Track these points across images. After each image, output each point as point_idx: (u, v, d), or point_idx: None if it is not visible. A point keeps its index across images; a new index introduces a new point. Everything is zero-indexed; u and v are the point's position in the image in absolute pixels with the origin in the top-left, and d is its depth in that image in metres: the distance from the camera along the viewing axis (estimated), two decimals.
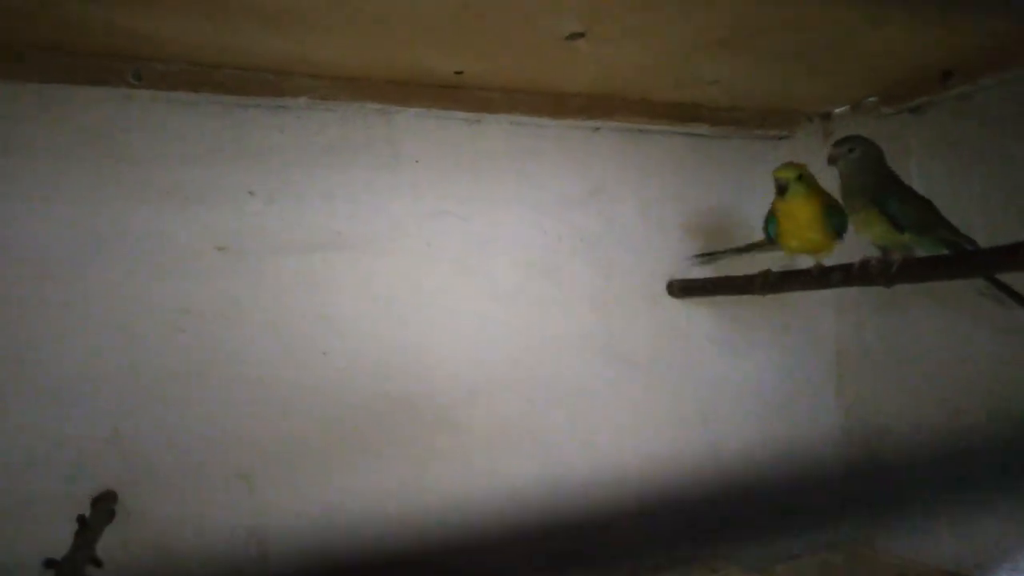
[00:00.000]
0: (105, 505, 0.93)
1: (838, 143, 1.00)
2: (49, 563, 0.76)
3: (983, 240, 1.02)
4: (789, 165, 1.07)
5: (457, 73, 1.07)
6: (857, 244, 1.08)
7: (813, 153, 1.42)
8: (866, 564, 1.40)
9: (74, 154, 0.96)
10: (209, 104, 1.02)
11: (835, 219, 1.06)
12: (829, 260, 1.08)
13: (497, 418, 1.20)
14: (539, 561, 1.26)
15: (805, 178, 1.06)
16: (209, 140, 1.03)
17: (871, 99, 1.32)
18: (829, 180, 1.07)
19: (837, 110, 1.41)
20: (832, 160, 1.01)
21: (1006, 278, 0.98)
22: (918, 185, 1.03)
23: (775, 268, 1.13)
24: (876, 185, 0.97)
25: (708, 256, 1.29)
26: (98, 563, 0.82)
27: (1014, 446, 1.17)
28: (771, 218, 1.12)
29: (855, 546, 1.44)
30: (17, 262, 0.93)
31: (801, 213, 1.07)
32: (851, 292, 1.41)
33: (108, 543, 0.88)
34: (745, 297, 1.29)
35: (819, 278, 1.07)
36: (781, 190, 1.07)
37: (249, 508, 1.03)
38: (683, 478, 1.34)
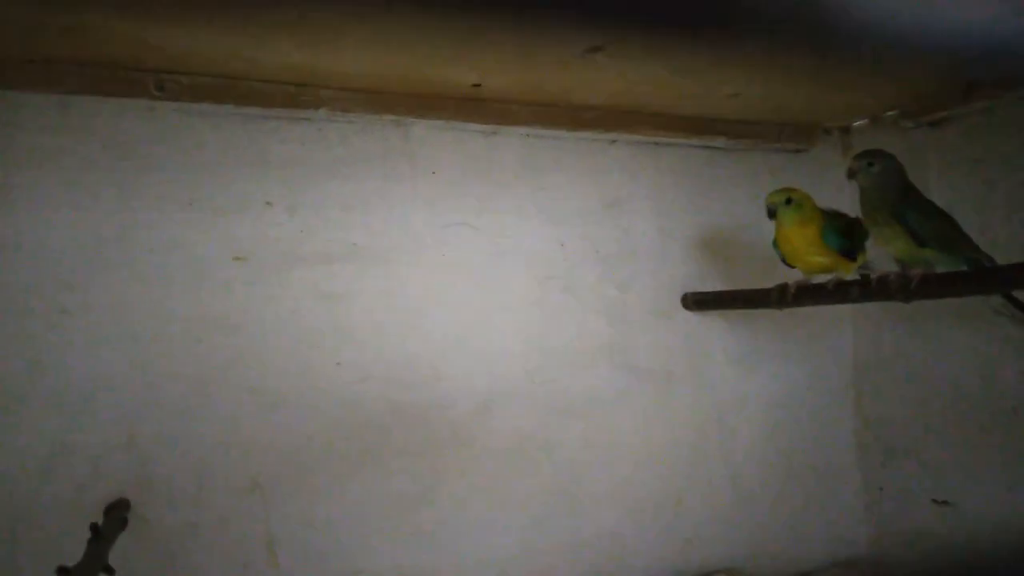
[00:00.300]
0: (118, 513, 0.93)
1: (858, 157, 0.99)
2: (62, 571, 0.76)
3: (1004, 255, 1.00)
4: (779, 190, 1.07)
5: (475, 86, 1.08)
6: (879, 260, 1.07)
7: (831, 166, 1.42)
8: None
9: (96, 164, 0.97)
10: (230, 116, 1.03)
11: (835, 240, 1.05)
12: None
13: (511, 430, 1.19)
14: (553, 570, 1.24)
15: (797, 202, 1.05)
16: (229, 151, 1.04)
17: (891, 113, 1.31)
18: (851, 193, 1.06)
19: (856, 123, 1.40)
20: (851, 174, 1.00)
21: None
22: (938, 199, 1.02)
23: (792, 282, 1.12)
24: (897, 199, 0.96)
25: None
26: (110, 571, 0.82)
27: None
28: (775, 242, 1.12)
29: (869, 563, 1.42)
30: (38, 271, 0.94)
31: (795, 237, 1.06)
32: (869, 307, 1.40)
33: (120, 551, 0.88)
34: (761, 311, 1.29)
35: (837, 293, 1.06)
36: (770, 214, 1.07)
37: (262, 517, 1.03)
38: (697, 491, 1.33)
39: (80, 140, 0.96)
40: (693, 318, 1.34)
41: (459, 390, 1.16)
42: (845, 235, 1.06)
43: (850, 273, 1.08)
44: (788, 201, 1.05)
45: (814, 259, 1.06)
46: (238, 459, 1.02)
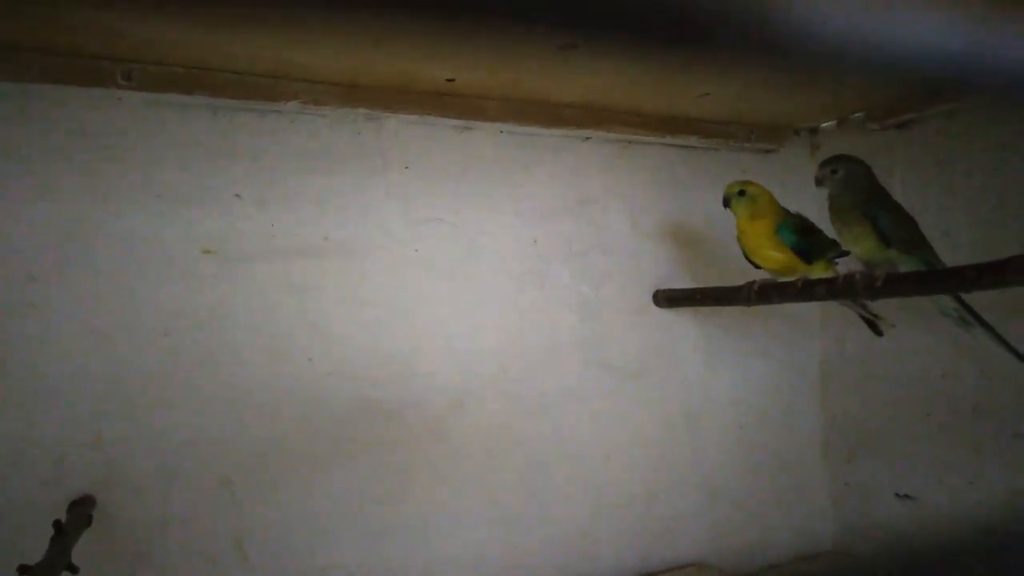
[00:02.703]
0: (82, 510, 0.91)
1: (823, 165, 1.01)
2: (23, 569, 0.74)
3: (967, 255, 1.03)
4: (737, 182, 1.10)
5: (449, 81, 1.07)
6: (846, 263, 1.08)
7: (799, 166, 1.44)
8: (844, 573, 1.41)
9: (62, 155, 0.95)
10: (200, 107, 1.02)
11: (789, 236, 1.07)
12: None
13: (483, 426, 1.19)
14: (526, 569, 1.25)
15: (751, 195, 1.09)
16: (198, 143, 1.02)
17: (857, 115, 1.34)
18: (818, 192, 1.07)
19: (824, 125, 1.43)
20: (819, 182, 1.01)
21: (989, 295, 0.98)
22: (903, 200, 1.04)
23: (758, 280, 1.14)
24: (867, 201, 0.98)
25: None
26: (74, 569, 0.81)
27: (994, 458, 1.18)
28: (738, 238, 1.14)
29: (834, 556, 1.45)
30: (1, 263, 0.92)
31: (748, 229, 1.10)
32: (835, 306, 1.42)
33: (85, 549, 0.86)
34: (730, 308, 1.30)
35: (804, 291, 1.07)
36: (724, 203, 1.11)
37: (231, 514, 1.02)
38: (667, 486, 1.34)
39: (44, 130, 0.94)
40: (664, 315, 1.35)
41: (432, 386, 1.16)
42: (800, 234, 1.08)
43: (812, 275, 1.10)
44: (741, 192, 1.09)
45: (768, 253, 1.09)
46: (207, 455, 1.01)
